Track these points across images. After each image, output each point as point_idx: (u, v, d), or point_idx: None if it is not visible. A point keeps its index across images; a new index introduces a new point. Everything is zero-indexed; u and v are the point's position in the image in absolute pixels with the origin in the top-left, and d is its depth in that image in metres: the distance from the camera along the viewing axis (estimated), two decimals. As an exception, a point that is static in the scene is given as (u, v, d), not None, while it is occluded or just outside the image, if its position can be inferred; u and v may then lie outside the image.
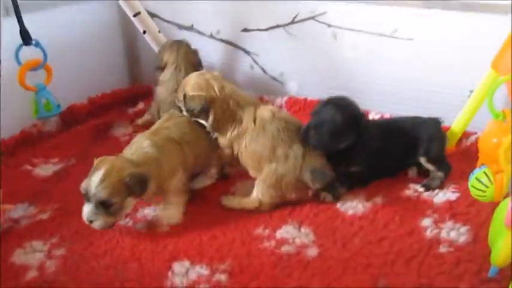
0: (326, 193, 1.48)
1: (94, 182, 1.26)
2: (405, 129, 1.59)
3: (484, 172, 1.22)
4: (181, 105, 1.53)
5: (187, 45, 1.94)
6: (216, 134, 1.53)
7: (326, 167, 1.45)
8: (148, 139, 1.41)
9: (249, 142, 1.48)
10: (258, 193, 1.46)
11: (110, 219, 1.30)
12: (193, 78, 1.53)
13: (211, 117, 1.48)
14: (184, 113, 1.53)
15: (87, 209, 1.28)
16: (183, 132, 1.50)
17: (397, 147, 1.56)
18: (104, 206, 1.28)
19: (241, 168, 1.56)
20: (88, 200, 1.28)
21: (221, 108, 1.48)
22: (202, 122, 1.52)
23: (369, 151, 1.51)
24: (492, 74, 1.47)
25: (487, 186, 1.22)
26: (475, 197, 1.35)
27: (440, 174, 1.56)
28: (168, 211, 1.44)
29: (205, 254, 1.29)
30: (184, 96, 1.49)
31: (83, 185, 1.29)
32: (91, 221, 1.29)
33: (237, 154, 1.52)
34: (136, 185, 1.30)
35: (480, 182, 1.25)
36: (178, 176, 1.44)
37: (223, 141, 1.52)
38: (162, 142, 1.43)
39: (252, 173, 1.52)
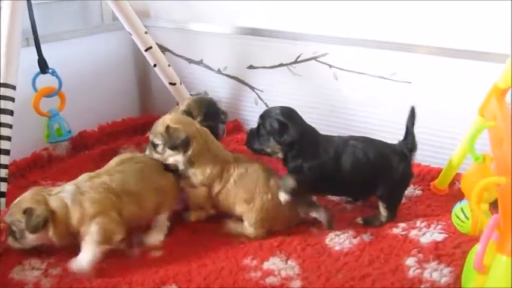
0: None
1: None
2: (366, 161, 1.56)
3: (461, 208, 1.28)
4: (157, 139, 1.53)
5: (206, 101, 1.90)
6: (190, 172, 1.54)
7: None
8: (74, 185, 1.43)
9: (238, 177, 1.53)
10: (251, 225, 1.53)
11: (15, 243, 1.41)
12: (173, 115, 1.61)
13: (191, 150, 1.51)
14: (159, 149, 1.54)
15: None
16: (128, 183, 1.46)
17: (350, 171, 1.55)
18: (11, 229, 1.40)
19: (209, 212, 1.60)
20: None
21: (199, 145, 1.53)
22: (175, 158, 1.53)
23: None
24: (479, 120, 1.52)
25: (463, 222, 1.30)
26: (459, 229, 1.41)
27: (386, 214, 1.60)
28: (80, 255, 1.38)
29: (193, 281, 1.34)
30: (168, 127, 1.51)
31: None
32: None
33: (219, 192, 1.55)
34: (28, 221, 1.35)
35: (458, 217, 1.32)
36: (94, 224, 1.38)
37: (201, 178, 1.53)
38: (89, 190, 1.41)
39: (240, 208, 1.53)
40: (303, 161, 1.54)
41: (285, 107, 1.60)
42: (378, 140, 1.64)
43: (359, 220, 1.60)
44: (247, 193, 1.53)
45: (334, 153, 1.55)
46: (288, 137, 1.53)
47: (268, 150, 1.58)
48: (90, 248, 1.38)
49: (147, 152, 1.59)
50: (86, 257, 1.37)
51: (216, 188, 1.54)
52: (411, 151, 1.60)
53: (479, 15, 1.71)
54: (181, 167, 1.55)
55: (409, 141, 1.60)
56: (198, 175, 1.54)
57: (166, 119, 1.55)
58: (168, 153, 1.53)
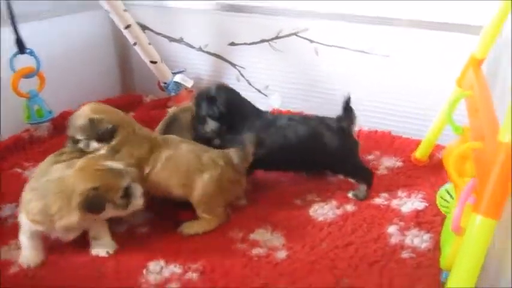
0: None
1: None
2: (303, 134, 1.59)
3: (446, 190, 1.31)
4: (80, 134, 1.44)
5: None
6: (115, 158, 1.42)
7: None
8: None
9: (167, 159, 1.44)
10: (206, 212, 1.46)
11: None
12: (90, 105, 1.49)
13: (117, 139, 1.43)
14: (82, 144, 1.45)
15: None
16: None
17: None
18: None
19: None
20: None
21: (126, 132, 1.45)
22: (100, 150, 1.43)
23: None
24: (457, 91, 1.55)
25: (448, 202, 1.32)
26: (444, 212, 1.44)
27: (362, 187, 1.61)
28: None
29: (180, 255, 1.36)
30: (92, 120, 1.41)
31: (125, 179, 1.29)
32: None
33: (148, 175, 1.44)
34: None
35: (443, 199, 1.35)
36: None
37: (128, 161, 1.41)
38: None
39: (178, 192, 1.45)
40: (231, 136, 1.58)
41: (218, 84, 1.65)
42: (315, 117, 1.65)
43: (350, 195, 1.62)
44: (180, 177, 1.44)
45: (259, 131, 1.57)
46: (217, 108, 1.57)
47: (209, 130, 1.61)
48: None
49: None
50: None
51: (146, 170, 1.44)
52: (351, 122, 1.61)
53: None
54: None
55: (347, 114, 1.60)
56: (125, 159, 1.41)
57: (86, 110, 1.45)
58: (93, 147, 1.44)
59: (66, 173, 1.29)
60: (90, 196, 1.23)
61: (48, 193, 1.27)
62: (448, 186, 1.48)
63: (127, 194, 1.30)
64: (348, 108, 1.59)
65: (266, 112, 1.70)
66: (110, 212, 1.30)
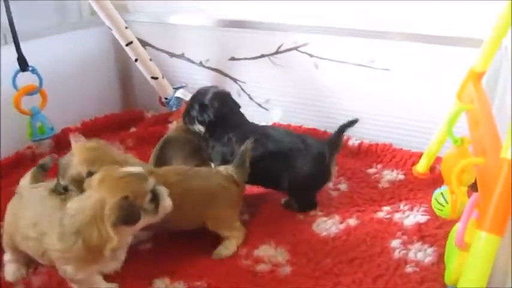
0: None
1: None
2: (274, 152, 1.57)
3: (441, 193, 1.32)
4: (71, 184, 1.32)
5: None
6: None
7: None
8: None
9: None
10: (228, 230, 1.46)
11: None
12: (85, 148, 1.40)
13: None
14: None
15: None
16: None
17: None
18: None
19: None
20: None
21: None
22: None
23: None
24: (457, 104, 1.56)
25: (443, 206, 1.34)
26: (437, 213, 1.46)
27: (295, 206, 1.63)
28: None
29: (185, 272, 1.36)
30: (89, 173, 1.22)
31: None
32: None
33: None
34: None
35: (438, 202, 1.37)
36: None
37: None
38: None
39: (193, 224, 1.45)
40: (213, 143, 1.65)
41: (218, 91, 1.68)
42: (295, 136, 1.62)
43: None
44: (188, 214, 1.41)
45: (236, 141, 1.60)
46: (207, 116, 1.62)
47: (197, 129, 1.69)
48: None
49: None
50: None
51: None
52: (332, 151, 1.57)
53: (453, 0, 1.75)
54: None
55: (332, 141, 1.57)
56: None
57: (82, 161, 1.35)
58: None
59: (84, 198, 1.16)
60: (123, 207, 1.10)
61: (80, 227, 1.12)
62: (443, 189, 1.48)
63: (154, 198, 1.19)
64: (339, 134, 1.57)
65: (252, 123, 1.71)
66: (143, 220, 1.17)
